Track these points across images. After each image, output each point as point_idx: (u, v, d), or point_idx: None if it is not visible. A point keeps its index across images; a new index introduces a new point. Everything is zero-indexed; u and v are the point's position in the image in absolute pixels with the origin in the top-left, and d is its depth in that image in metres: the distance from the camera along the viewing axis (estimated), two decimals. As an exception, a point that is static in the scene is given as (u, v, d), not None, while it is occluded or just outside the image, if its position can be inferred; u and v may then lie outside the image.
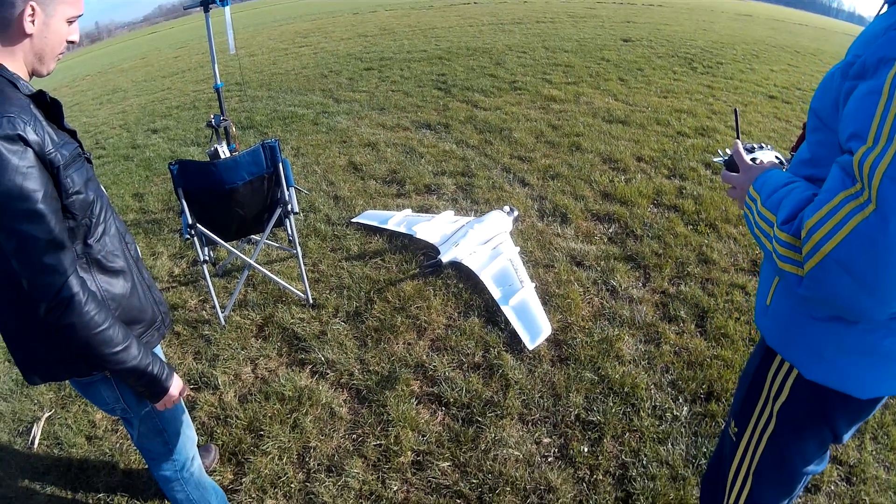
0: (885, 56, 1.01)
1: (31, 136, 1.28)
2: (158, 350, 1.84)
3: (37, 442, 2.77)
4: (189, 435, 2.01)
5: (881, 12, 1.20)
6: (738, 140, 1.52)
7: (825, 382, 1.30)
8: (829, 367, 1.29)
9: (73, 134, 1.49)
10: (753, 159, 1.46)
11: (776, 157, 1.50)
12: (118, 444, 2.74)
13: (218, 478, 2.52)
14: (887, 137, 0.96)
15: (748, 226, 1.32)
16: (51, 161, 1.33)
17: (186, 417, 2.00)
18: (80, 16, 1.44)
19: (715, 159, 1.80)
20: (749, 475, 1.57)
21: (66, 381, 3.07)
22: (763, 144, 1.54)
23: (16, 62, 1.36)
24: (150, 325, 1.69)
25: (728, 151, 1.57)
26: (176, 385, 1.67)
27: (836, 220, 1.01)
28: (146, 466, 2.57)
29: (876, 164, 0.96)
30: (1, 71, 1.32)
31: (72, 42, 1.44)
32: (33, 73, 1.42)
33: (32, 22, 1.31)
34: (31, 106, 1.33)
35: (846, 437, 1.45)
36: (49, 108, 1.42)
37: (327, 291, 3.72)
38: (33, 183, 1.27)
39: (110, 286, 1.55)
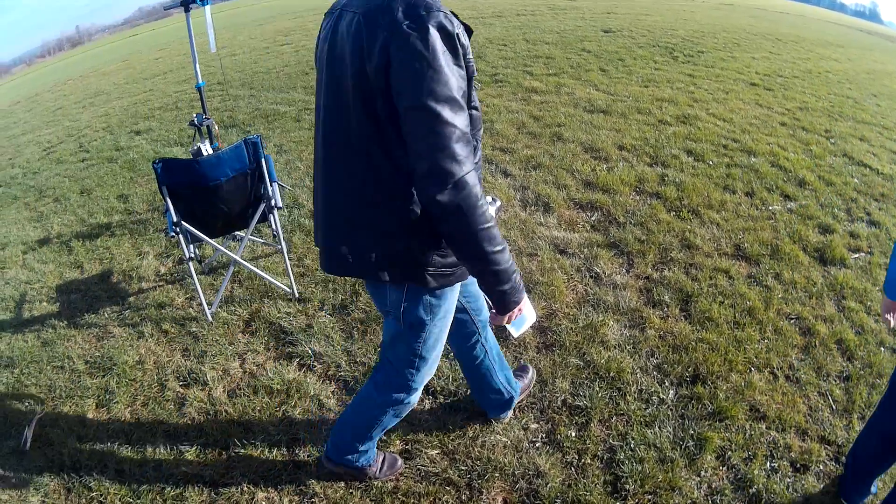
0: None
1: (463, 39, 1.37)
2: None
3: (29, 443, 2.77)
4: (433, 371, 2.03)
5: None
6: None
7: None
8: None
9: None
10: None
11: None
12: (110, 443, 2.74)
13: (209, 471, 2.53)
14: None
15: None
16: (468, 67, 1.39)
17: (439, 355, 2.00)
18: None
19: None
20: None
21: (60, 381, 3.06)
22: None
23: None
24: None
25: None
26: (525, 301, 1.66)
27: None
28: (139, 463, 2.58)
29: None
30: None
31: None
32: None
33: None
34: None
35: None
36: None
37: (313, 285, 3.73)
38: (459, 79, 1.34)
39: None
